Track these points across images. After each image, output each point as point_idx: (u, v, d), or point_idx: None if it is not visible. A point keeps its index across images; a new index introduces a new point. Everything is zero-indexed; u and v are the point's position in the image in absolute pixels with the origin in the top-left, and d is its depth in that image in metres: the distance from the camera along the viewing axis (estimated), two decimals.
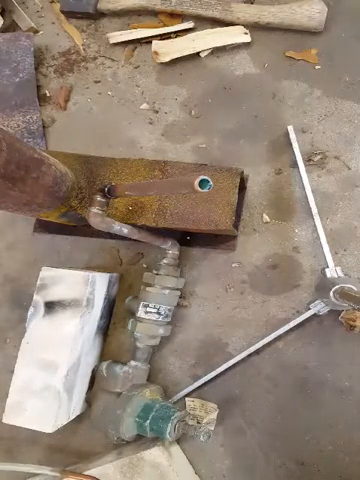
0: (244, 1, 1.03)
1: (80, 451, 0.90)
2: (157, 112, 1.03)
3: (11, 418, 0.80)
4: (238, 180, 0.84)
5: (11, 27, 1.13)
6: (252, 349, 0.87)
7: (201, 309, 0.92)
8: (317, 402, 0.86)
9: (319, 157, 0.93)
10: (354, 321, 0.84)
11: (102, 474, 0.80)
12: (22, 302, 0.95)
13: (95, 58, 1.09)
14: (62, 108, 1.07)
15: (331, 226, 0.91)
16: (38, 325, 0.83)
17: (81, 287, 0.83)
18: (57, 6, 1.12)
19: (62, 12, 1.11)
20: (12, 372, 0.82)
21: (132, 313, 0.89)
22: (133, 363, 0.86)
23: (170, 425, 0.77)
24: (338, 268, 0.85)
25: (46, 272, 0.86)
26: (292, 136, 0.93)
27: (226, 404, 0.88)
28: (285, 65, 1.00)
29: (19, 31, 1.11)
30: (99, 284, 0.87)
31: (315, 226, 0.89)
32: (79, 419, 0.88)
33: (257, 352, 0.88)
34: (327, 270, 0.85)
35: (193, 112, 1.01)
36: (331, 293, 0.79)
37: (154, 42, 1.02)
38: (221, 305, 0.92)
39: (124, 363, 0.86)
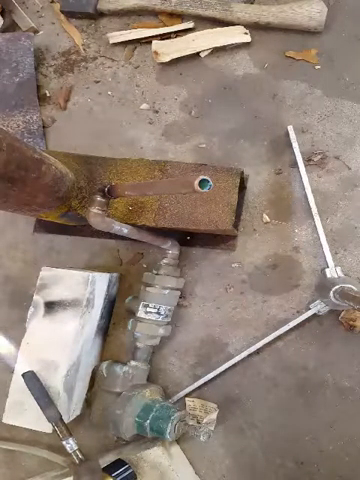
0: (244, 1, 1.03)
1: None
2: (157, 112, 1.03)
3: (11, 418, 0.80)
4: (238, 180, 0.84)
5: (11, 27, 1.12)
6: (252, 349, 0.87)
7: (201, 309, 0.92)
8: (317, 402, 0.86)
9: (319, 157, 0.93)
10: (354, 321, 0.84)
11: None
12: (22, 302, 0.95)
13: (95, 58, 1.09)
14: (62, 108, 1.07)
15: (331, 226, 0.91)
16: (38, 325, 0.83)
17: (81, 287, 0.83)
18: (57, 6, 1.11)
19: (62, 12, 1.10)
20: (12, 372, 0.82)
21: (132, 313, 0.89)
22: (133, 363, 0.86)
23: (170, 425, 0.77)
24: (338, 268, 0.85)
25: (46, 272, 0.86)
26: (292, 136, 0.93)
27: (226, 404, 0.88)
28: (285, 65, 1.00)
29: (19, 31, 1.11)
30: (99, 284, 0.87)
31: (315, 226, 0.89)
32: (79, 419, 0.88)
33: (257, 352, 0.88)
34: (327, 270, 0.85)
35: (193, 112, 1.01)
36: (331, 293, 0.79)
37: (154, 42, 1.02)
38: (221, 305, 0.92)
39: (124, 363, 0.86)
